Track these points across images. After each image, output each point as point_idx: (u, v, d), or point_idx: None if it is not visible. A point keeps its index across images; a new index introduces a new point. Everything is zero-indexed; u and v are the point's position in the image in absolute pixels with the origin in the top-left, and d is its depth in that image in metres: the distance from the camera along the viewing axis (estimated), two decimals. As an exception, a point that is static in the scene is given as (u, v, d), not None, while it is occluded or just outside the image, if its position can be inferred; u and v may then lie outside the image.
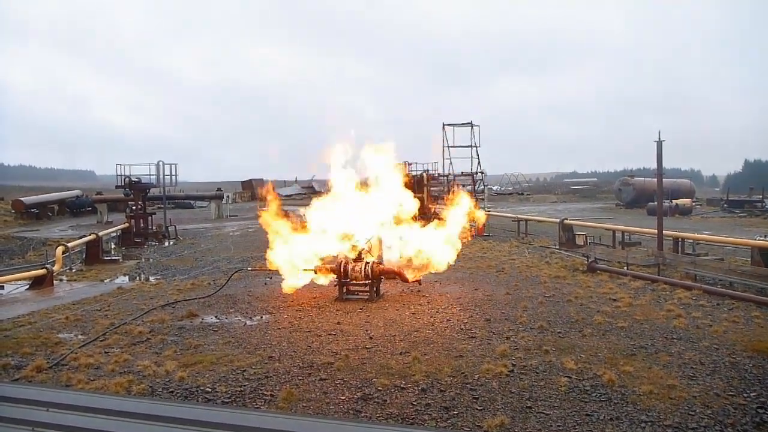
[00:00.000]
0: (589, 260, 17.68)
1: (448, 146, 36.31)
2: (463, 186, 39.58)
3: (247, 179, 72.29)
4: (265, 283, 16.36)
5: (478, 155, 36.28)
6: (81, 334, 11.04)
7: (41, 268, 17.44)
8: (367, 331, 10.87)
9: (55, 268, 18.34)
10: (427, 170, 40.22)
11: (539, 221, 30.97)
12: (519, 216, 30.98)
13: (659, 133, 17.28)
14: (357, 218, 14.75)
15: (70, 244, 20.99)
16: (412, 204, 15.63)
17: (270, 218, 15.16)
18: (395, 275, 14.32)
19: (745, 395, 7.46)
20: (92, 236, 22.66)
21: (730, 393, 7.52)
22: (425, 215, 26.42)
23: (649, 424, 6.64)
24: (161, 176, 31.54)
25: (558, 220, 25.93)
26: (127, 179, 30.10)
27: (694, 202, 48.38)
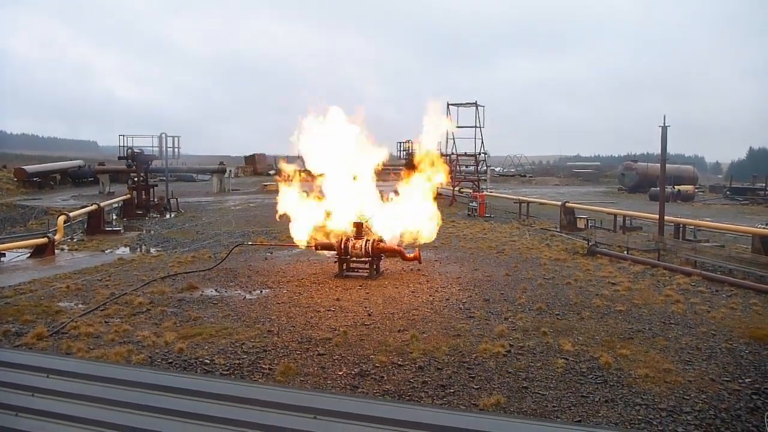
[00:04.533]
0: (590, 244, 17.68)
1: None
2: (466, 166, 39.62)
3: (249, 154, 72.13)
4: (266, 258, 16.41)
5: (481, 136, 36.17)
6: (81, 304, 11.11)
7: (43, 237, 17.49)
8: (366, 308, 10.92)
9: (57, 237, 18.38)
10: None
11: (541, 203, 30.91)
12: (521, 198, 30.93)
13: (664, 117, 17.15)
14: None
15: (71, 214, 21.00)
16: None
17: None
18: (395, 253, 14.35)
19: (740, 381, 7.50)
20: (94, 206, 22.68)
21: (726, 378, 7.57)
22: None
23: (644, 406, 6.69)
24: (164, 148, 31.46)
25: (560, 203, 25.89)
26: (129, 150, 30.02)
27: (696, 188, 48.23)
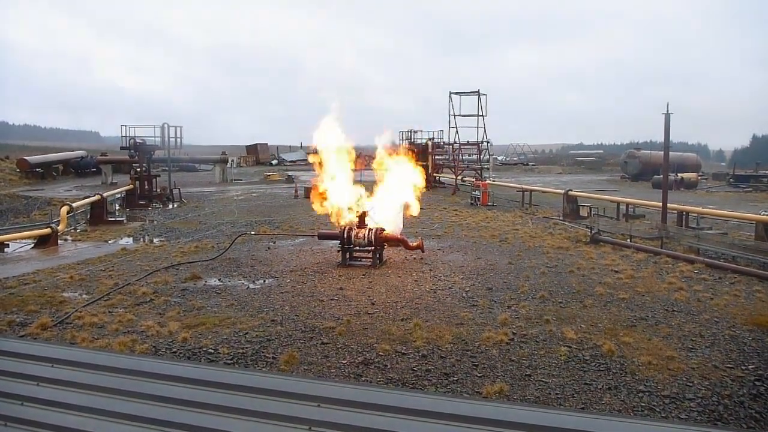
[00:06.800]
0: (593, 232, 17.66)
1: (455, 114, 36.03)
2: (469, 155, 39.52)
3: (252, 144, 72.03)
4: (269, 248, 16.42)
5: (484, 124, 36.04)
6: (85, 294, 11.14)
7: (46, 228, 17.54)
8: (369, 297, 10.93)
9: (60, 227, 18.42)
10: (433, 138, 40.03)
11: (544, 192, 30.86)
12: (523, 186, 30.85)
13: (668, 105, 17.08)
14: None
15: (74, 205, 21.04)
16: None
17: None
18: (398, 242, 14.35)
19: (743, 368, 7.51)
20: (97, 197, 22.72)
21: (729, 365, 7.57)
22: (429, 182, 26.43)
23: (647, 394, 6.71)
24: (166, 138, 31.34)
25: (562, 192, 25.83)
26: (131, 141, 29.96)
27: (699, 176, 48.04)
